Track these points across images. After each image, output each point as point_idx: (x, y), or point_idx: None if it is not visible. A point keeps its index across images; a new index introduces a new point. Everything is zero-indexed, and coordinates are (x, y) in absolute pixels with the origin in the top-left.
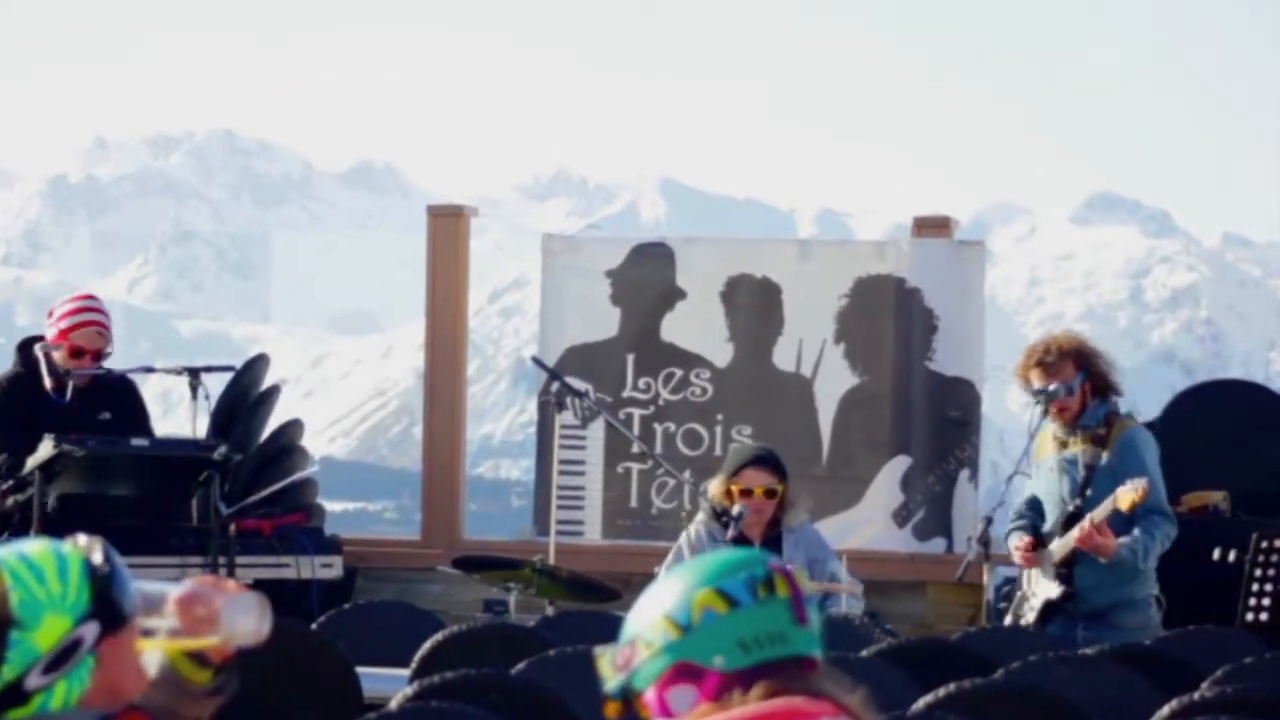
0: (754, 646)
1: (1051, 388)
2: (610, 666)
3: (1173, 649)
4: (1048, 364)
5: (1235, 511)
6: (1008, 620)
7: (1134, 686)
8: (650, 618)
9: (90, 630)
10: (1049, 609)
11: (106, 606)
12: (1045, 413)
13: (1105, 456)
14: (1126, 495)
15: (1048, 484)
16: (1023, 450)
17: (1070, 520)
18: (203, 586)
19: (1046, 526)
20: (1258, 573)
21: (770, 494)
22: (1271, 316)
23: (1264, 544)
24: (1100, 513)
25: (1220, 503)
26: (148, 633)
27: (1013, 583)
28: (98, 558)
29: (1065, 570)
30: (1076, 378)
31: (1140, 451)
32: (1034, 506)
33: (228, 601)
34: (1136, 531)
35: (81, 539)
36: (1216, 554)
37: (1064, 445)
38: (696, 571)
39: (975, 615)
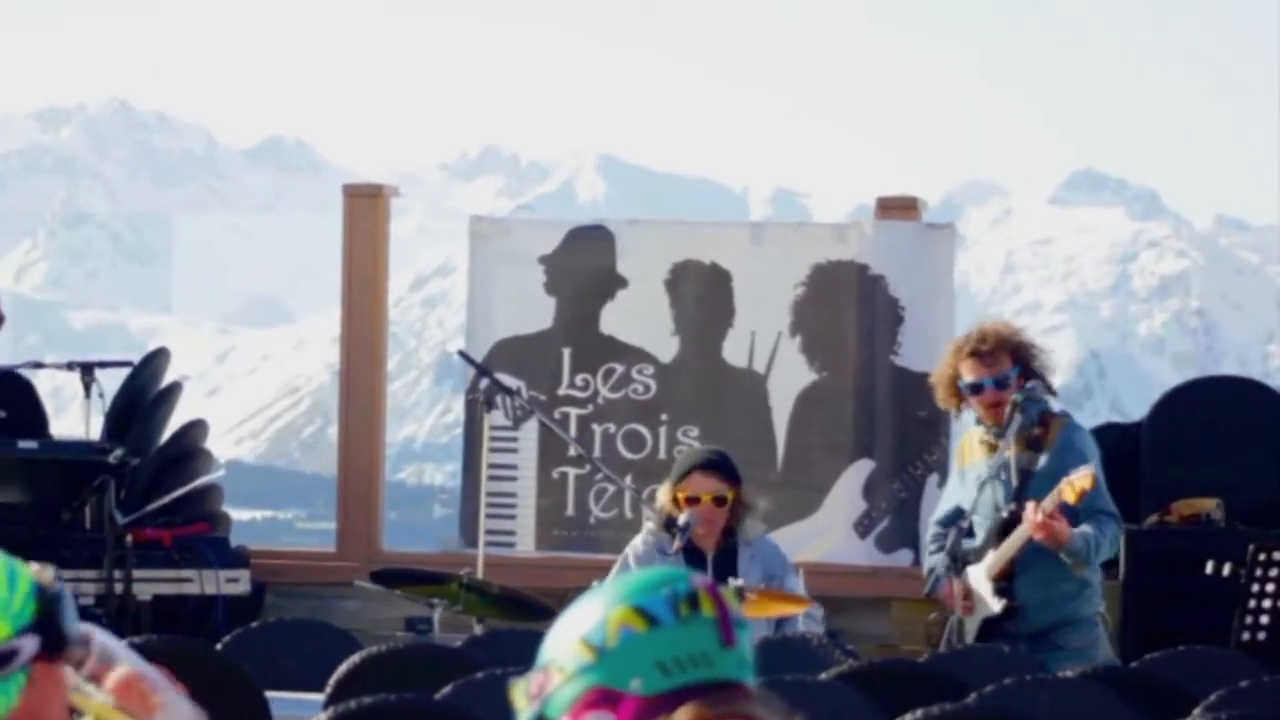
0: (675, 669)
1: (985, 380)
2: (524, 696)
3: (1162, 671)
4: (982, 353)
5: (1230, 521)
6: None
7: (1119, 713)
8: (564, 641)
9: (29, 644)
10: (989, 628)
11: (49, 625)
12: (1019, 409)
13: (1043, 459)
14: (1076, 484)
15: (976, 493)
16: (959, 459)
17: (1004, 529)
18: (156, 675)
19: (977, 541)
20: (1255, 588)
21: (719, 501)
22: (1269, 306)
23: (1262, 556)
24: (1049, 503)
25: (1213, 511)
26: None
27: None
28: (48, 577)
29: (1004, 584)
30: (1012, 371)
31: (1084, 452)
32: (950, 523)
33: (171, 702)
34: (1085, 526)
35: (34, 565)
36: (1209, 567)
37: (993, 450)
38: (614, 590)
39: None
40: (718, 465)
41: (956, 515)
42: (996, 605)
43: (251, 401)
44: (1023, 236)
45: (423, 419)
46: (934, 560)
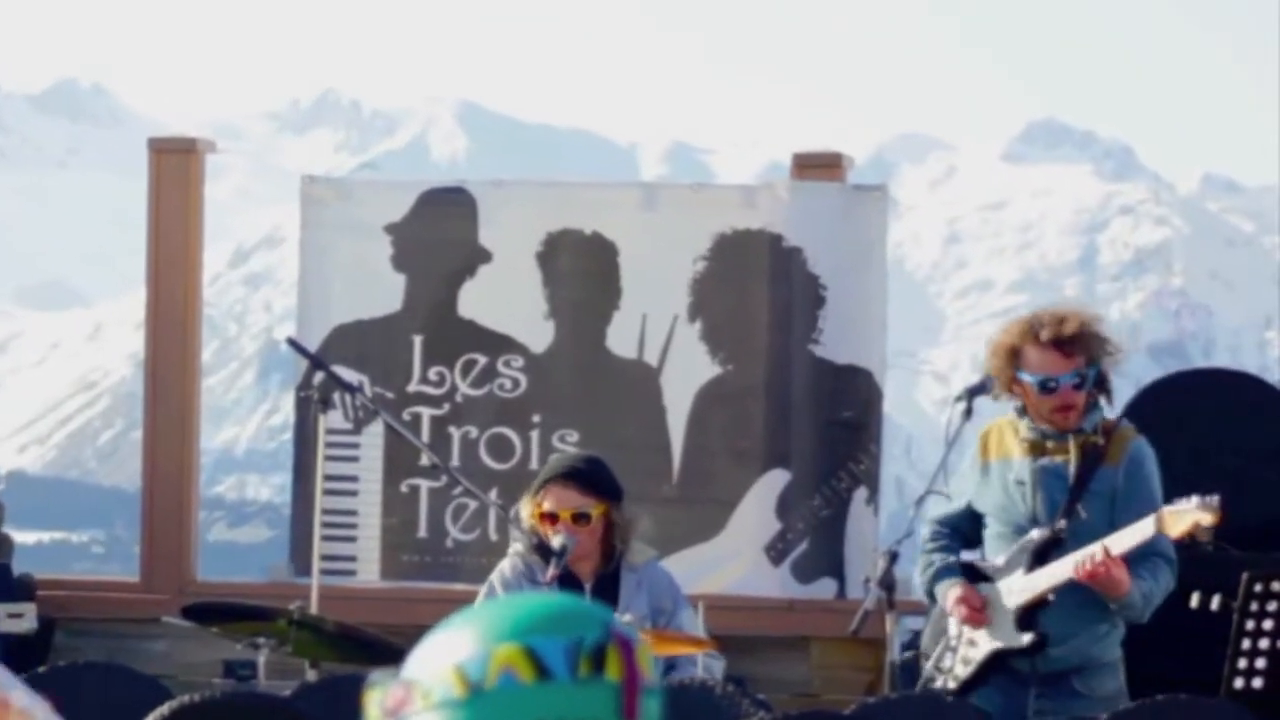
0: None
1: (1063, 376)
2: (378, 707)
3: None
4: (1064, 342)
5: (1219, 543)
6: (922, 680)
7: None
8: (437, 661)
9: None
10: (994, 663)
11: None
12: (969, 412)
13: (1105, 475)
14: (1187, 518)
15: (1005, 497)
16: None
17: (1046, 549)
18: (42, 708)
19: (994, 554)
20: (1249, 625)
21: (581, 519)
22: (1267, 284)
23: (1257, 587)
24: (1124, 541)
25: (1200, 533)
26: None
27: (918, 634)
28: None
29: (1030, 615)
30: (1089, 371)
31: (1152, 476)
32: (952, 526)
33: None
34: (1142, 573)
35: None
36: (1195, 600)
37: (1040, 450)
38: (510, 614)
39: (875, 681)
40: (579, 475)
41: (957, 522)
42: (1022, 638)
43: (38, 400)
44: (969, 200)
45: (245, 421)
46: (948, 589)
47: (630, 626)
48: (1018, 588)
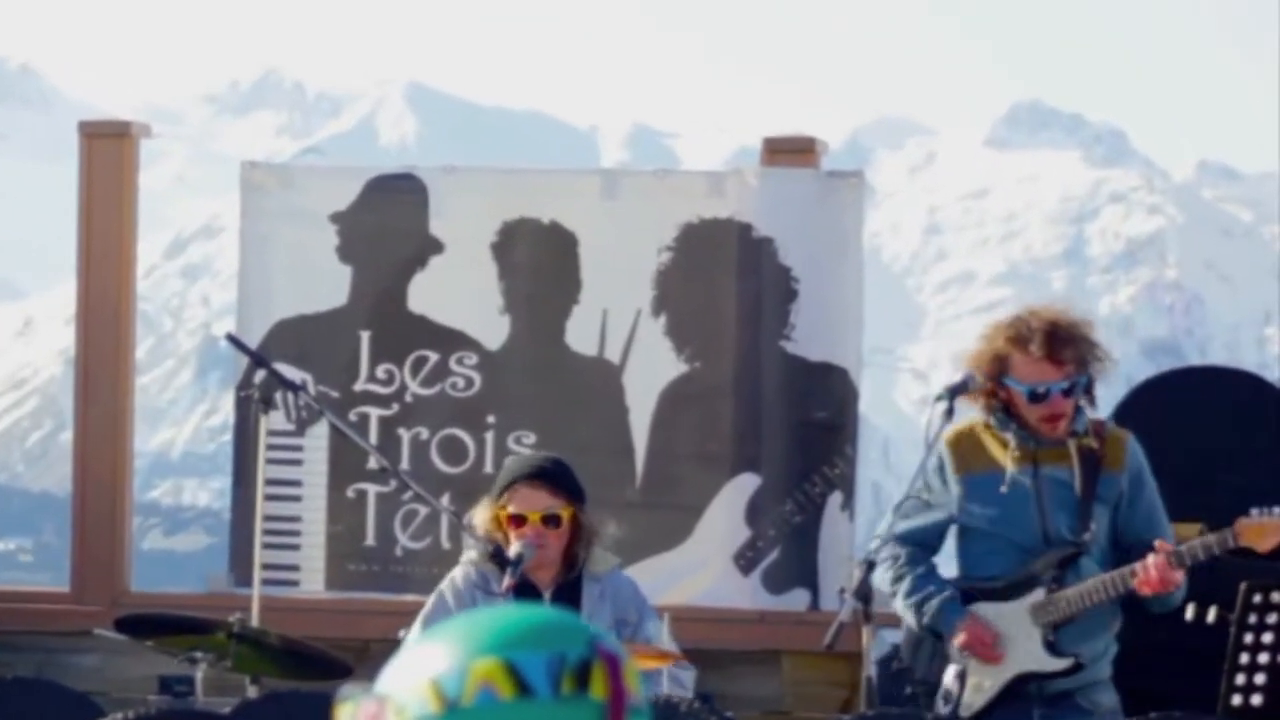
0: None
1: (1054, 385)
2: None
3: None
4: (1056, 347)
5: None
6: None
7: None
8: (412, 674)
9: None
10: (1018, 686)
11: None
12: (950, 413)
13: (1112, 479)
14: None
15: (1002, 510)
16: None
17: (1067, 563)
18: None
19: (985, 570)
20: (1248, 638)
21: (551, 521)
22: (1266, 277)
23: (1256, 598)
24: (1200, 551)
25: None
26: None
27: (898, 648)
28: None
29: (1054, 635)
30: (1080, 379)
31: (1152, 480)
32: (927, 547)
33: None
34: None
35: None
36: (1190, 611)
37: (1033, 458)
38: (490, 626)
39: (851, 698)
40: (548, 475)
41: (928, 538)
42: (1058, 663)
43: None
44: (950, 188)
45: (182, 422)
46: (954, 620)
47: (616, 642)
48: (1049, 606)
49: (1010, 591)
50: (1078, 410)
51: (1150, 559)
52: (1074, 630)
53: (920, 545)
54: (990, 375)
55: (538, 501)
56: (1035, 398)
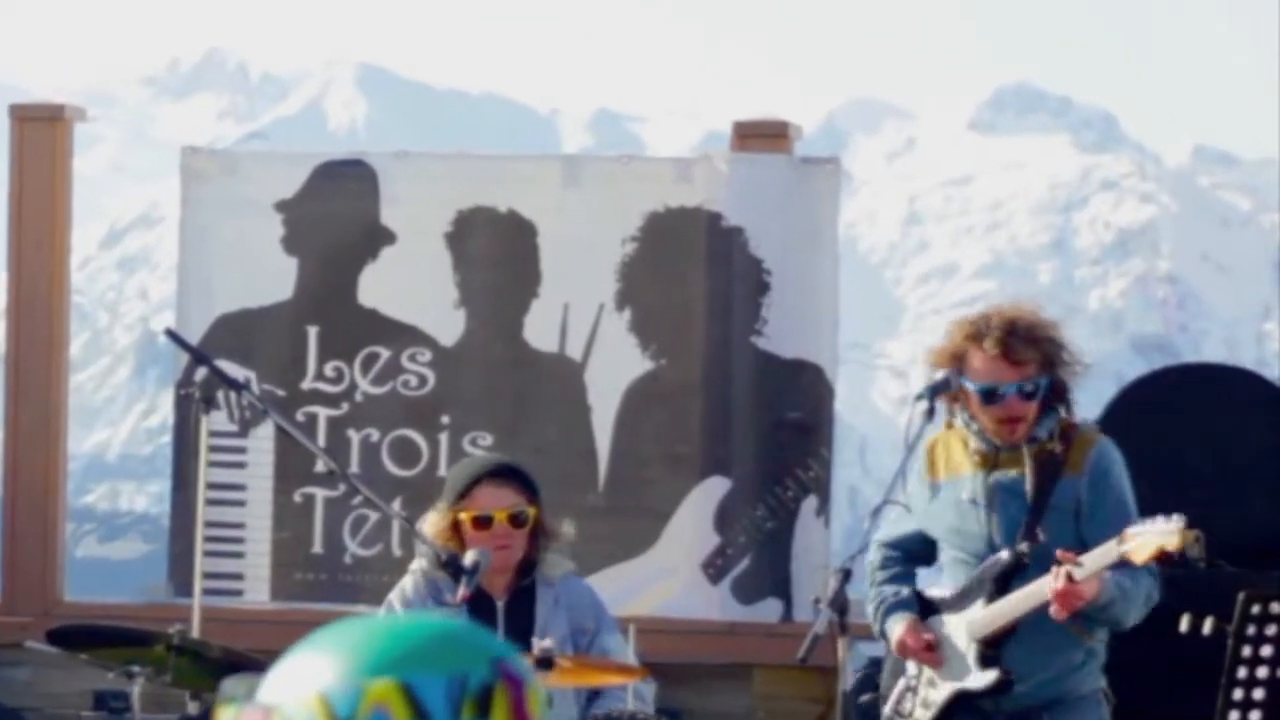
0: None
1: (1007, 386)
2: None
3: None
4: (1012, 347)
5: (1212, 560)
6: None
7: None
8: (300, 686)
9: None
10: (959, 705)
11: None
12: (931, 413)
13: (1067, 486)
14: (1150, 543)
15: (958, 519)
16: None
17: (1008, 575)
18: None
19: (953, 581)
20: (1246, 651)
21: (518, 521)
22: (1266, 269)
23: (1255, 609)
24: (1097, 561)
25: (1191, 547)
26: None
27: (878, 665)
28: None
29: (992, 650)
30: (1042, 380)
31: (1121, 483)
32: (904, 550)
33: None
34: (1117, 575)
35: None
36: (1185, 623)
37: (992, 464)
38: (387, 640)
39: (825, 714)
40: (514, 473)
41: (908, 546)
42: (985, 677)
43: None
44: (931, 175)
45: (118, 422)
46: (895, 623)
47: (522, 661)
48: (980, 620)
49: (955, 604)
50: (1045, 414)
51: (1060, 570)
52: (1019, 645)
53: (899, 553)
54: (949, 374)
55: (504, 499)
56: (989, 398)
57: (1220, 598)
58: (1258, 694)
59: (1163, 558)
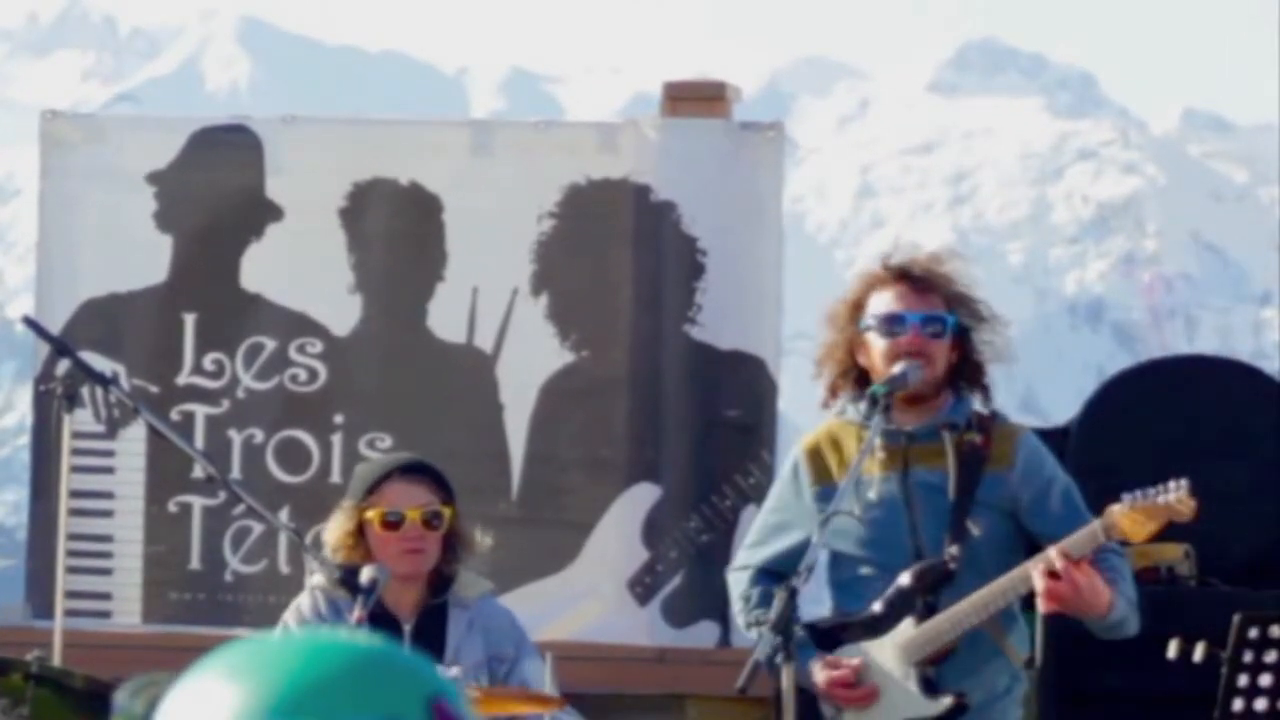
0: None
1: (911, 314)
2: None
3: None
4: (914, 278)
5: (1204, 577)
6: None
7: None
8: (200, 717)
9: None
10: None
11: None
12: (887, 409)
13: (999, 481)
14: (1156, 515)
15: (868, 528)
16: (849, 474)
17: (937, 585)
18: None
19: (862, 600)
20: (1242, 680)
21: (432, 522)
22: (1263, 249)
23: (1252, 632)
24: (1083, 546)
25: (1179, 564)
26: None
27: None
28: None
29: (932, 669)
30: (949, 319)
31: (1059, 472)
32: (784, 575)
33: None
34: (1122, 585)
35: None
36: (1174, 649)
37: (902, 460)
38: (301, 673)
39: None
40: (427, 469)
41: (784, 564)
42: (937, 705)
43: None
44: (888, 142)
45: None
46: (761, 618)
47: (458, 691)
48: (918, 640)
49: (880, 624)
50: (959, 400)
51: (1045, 561)
52: (951, 665)
53: (778, 578)
54: (849, 343)
55: (418, 497)
56: (889, 329)
57: (1212, 618)
58: None
59: (1157, 567)
